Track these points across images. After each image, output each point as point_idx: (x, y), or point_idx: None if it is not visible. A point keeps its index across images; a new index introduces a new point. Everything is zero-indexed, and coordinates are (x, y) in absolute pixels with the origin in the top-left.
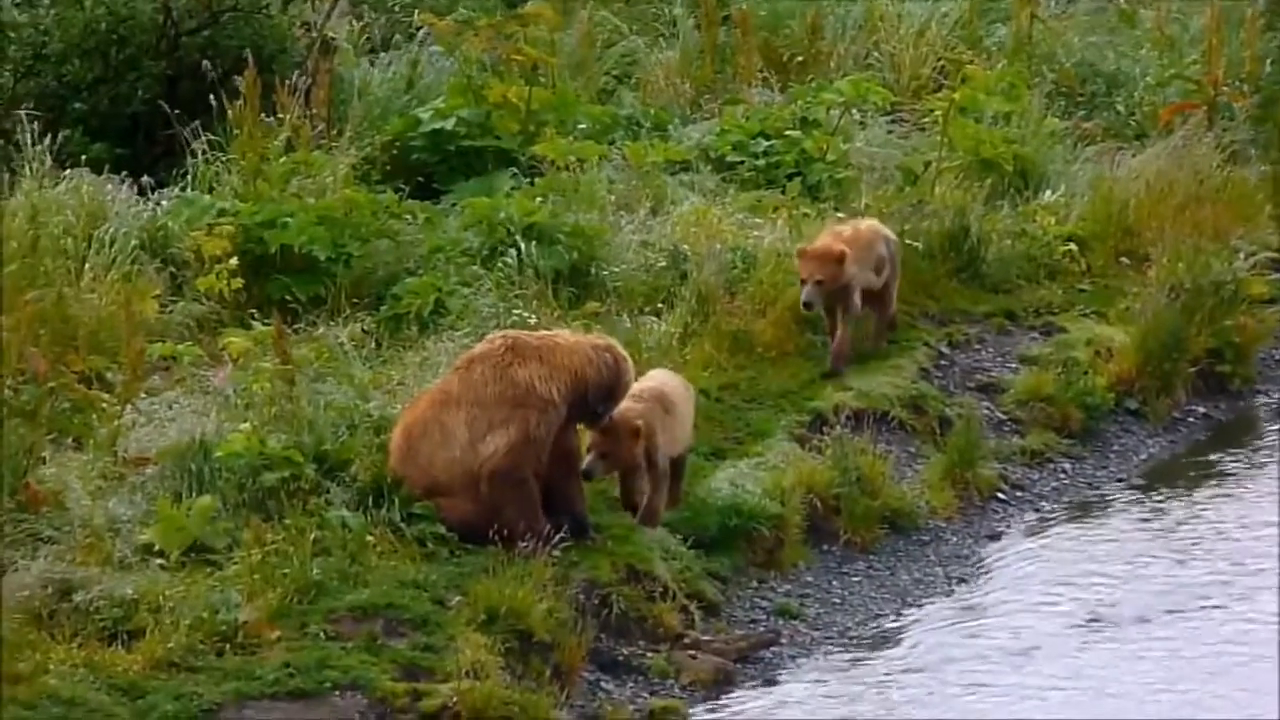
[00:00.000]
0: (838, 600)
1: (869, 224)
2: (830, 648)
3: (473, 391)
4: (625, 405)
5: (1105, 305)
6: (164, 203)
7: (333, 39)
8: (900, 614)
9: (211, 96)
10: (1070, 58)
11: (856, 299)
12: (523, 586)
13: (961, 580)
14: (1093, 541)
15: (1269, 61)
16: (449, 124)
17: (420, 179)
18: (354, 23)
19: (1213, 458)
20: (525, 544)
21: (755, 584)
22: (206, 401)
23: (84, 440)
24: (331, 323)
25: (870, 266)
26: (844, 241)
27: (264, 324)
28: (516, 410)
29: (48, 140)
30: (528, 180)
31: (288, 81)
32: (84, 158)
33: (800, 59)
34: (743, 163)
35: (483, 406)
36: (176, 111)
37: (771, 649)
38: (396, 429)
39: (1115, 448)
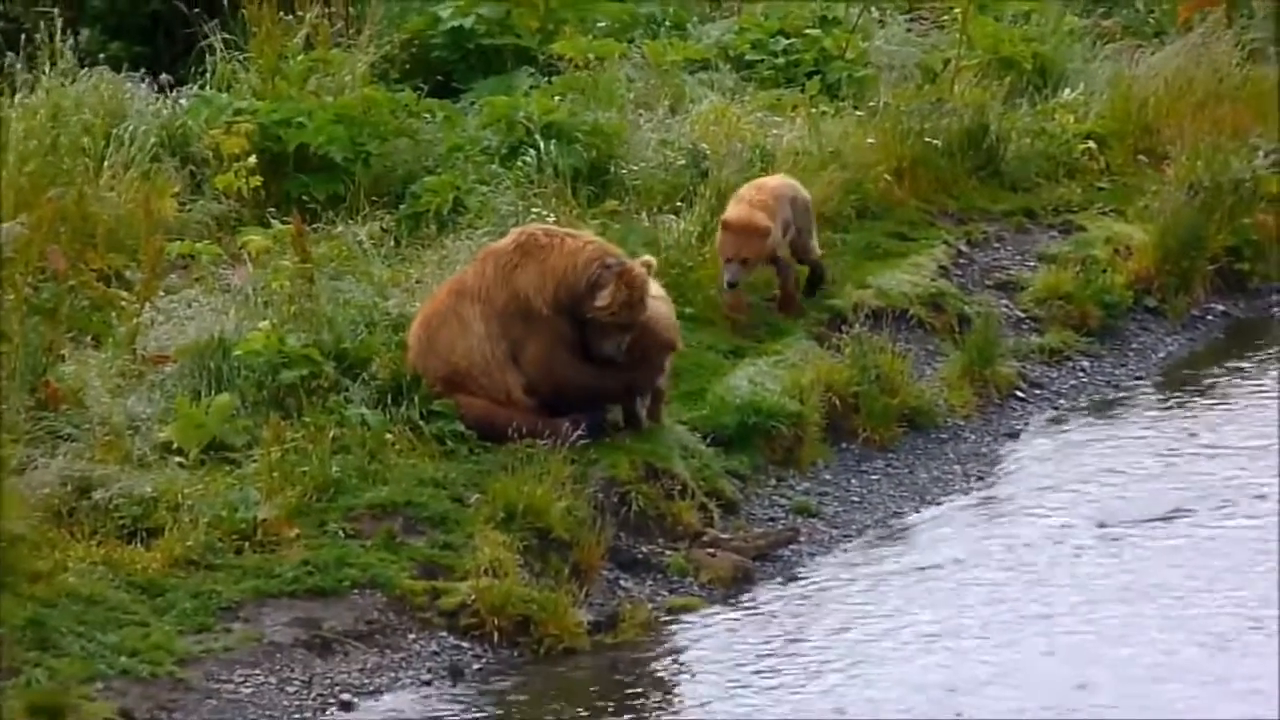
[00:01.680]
0: (856, 498)
1: (777, 181)
2: (849, 545)
3: (485, 289)
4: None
5: (1124, 203)
6: (183, 101)
7: None
8: (919, 511)
9: None
10: None
11: (785, 253)
12: (541, 484)
13: (980, 478)
14: (1111, 440)
15: None
16: (468, 21)
17: (439, 77)
18: None
19: (1231, 355)
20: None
21: (774, 482)
22: (225, 300)
23: (103, 338)
24: (350, 221)
25: (778, 226)
26: (758, 205)
27: (283, 222)
28: (523, 323)
29: (68, 38)
30: (546, 79)
31: None
32: (102, 56)
33: None
34: (762, 61)
35: (494, 308)
36: (195, 9)
37: (790, 547)
38: (415, 321)
39: (1134, 346)
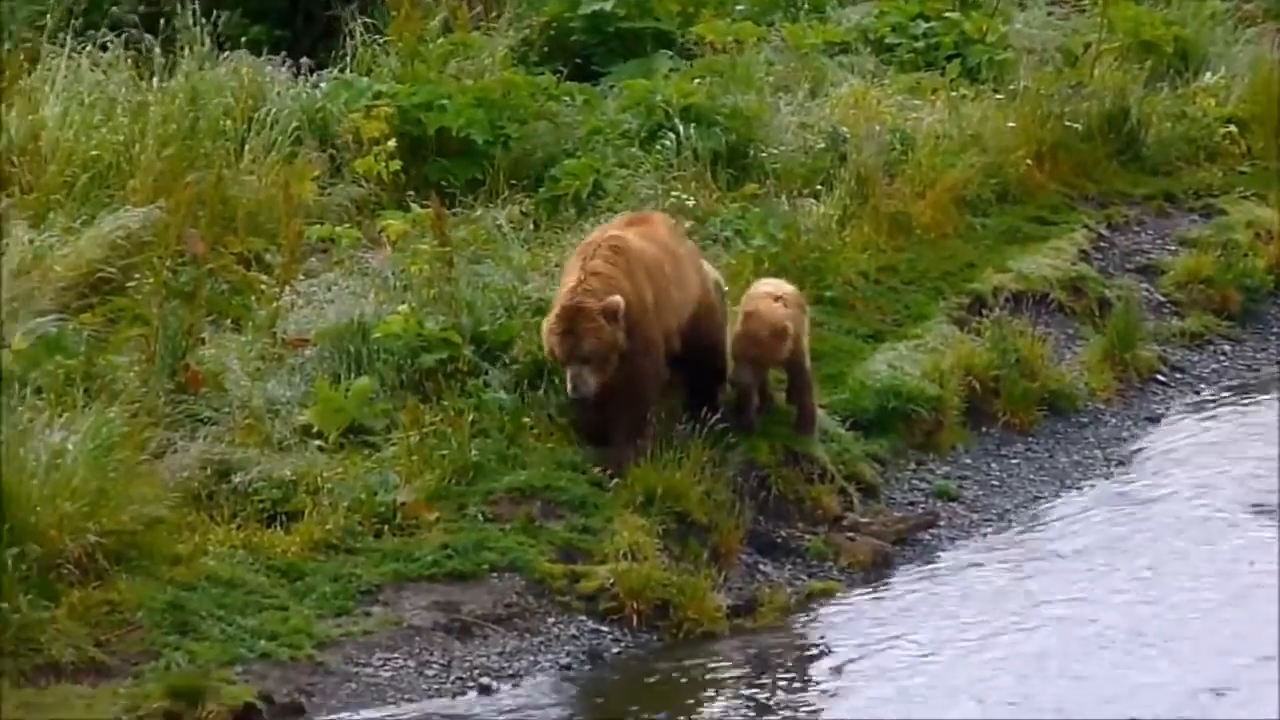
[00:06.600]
0: (996, 482)
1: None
2: (988, 529)
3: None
4: (770, 307)
5: (1265, 187)
6: (322, 85)
7: None
8: (1059, 496)
9: None
10: None
11: None
12: (680, 469)
13: (1120, 462)
14: (1253, 424)
15: None
16: (608, 5)
17: (578, 60)
18: None
19: None
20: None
21: (914, 466)
22: (365, 283)
23: (243, 322)
24: (489, 205)
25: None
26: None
27: (422, 206)
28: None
29: (207, 22)
30: (686, 62)
31: None
32: (243, 39)
33: None
34: (902, 44)
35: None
36: None
37: (930, 531)
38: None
39: (1275, 329)
